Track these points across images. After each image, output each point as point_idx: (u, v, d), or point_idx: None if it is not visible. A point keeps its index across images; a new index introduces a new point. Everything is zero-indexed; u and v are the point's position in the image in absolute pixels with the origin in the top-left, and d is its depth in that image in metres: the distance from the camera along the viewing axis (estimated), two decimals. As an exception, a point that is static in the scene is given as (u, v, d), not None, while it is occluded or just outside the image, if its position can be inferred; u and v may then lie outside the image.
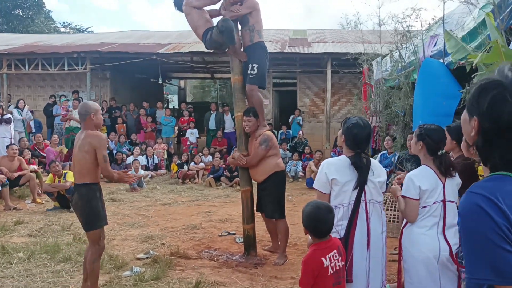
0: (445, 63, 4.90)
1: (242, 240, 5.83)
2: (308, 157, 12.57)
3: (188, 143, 13.91)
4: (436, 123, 4.62)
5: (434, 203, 2.99)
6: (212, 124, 14.61)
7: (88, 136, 3.93)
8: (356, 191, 2.97)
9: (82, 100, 14.24)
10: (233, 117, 14.70)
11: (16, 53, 14.68)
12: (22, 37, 20.02)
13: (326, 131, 14.53)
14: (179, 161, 11.84)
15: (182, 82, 26.12)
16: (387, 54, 9.63)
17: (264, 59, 5.20)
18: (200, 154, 12.06)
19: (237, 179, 10.46)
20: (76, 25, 37.49)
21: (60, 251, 5.36)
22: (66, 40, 17.80)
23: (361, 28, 11.06)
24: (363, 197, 2.99)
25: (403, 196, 3.08)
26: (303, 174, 11.67)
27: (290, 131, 14.65)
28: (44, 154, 11.42)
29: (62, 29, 36.45)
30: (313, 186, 3.08)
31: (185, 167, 11.39)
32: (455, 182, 3.09)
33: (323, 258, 2.55)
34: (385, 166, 7.64)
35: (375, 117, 8.52)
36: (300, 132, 14.15)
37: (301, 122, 14.73)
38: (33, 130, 13.61)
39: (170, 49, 14.55)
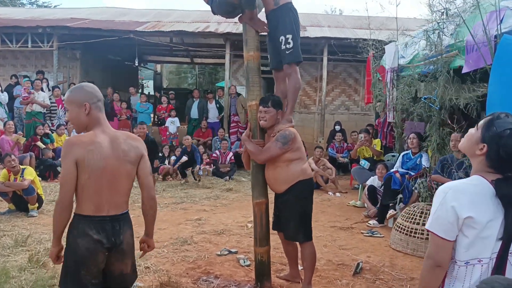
0: (530, 44, 3.75)
1: (249, 263, 4.65)
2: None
3: (168, 133, 12.50)
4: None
5: None
6: (194, 113, 13.18)
7: (134, 139, 2.62)
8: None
9: (48, 82, 12.59)
10: (217, 105, 13.39)
11: (-29, 26, 12.89)
12: (-20, 9, 17.99)
13: (318, 123, 13.36)
14: (160, 154, 10.44)
15: (158, 67, 24.41)
16: (391, 41, 8.54)
17: (296, 25, 3.91)
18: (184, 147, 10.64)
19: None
20: (43, 2, 34.98)
21: (9, 280, 3.99)
22: (30, 14, 15.95)
23: (367, 14, 9.92)
24: (511, 248, 1.80)
25: None
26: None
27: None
28: (1, 143, 9.81)
29: (28, 6, 33.90)
30: (427, 227, 1.85)
31: (166, 162, 10.02)
32: None
33: None
34: (408, 169, 6.53)
35: (392, 113, 7.34)
36: None
37: (290, 114, 13.50)
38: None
39: (149, 27, 13.03)
